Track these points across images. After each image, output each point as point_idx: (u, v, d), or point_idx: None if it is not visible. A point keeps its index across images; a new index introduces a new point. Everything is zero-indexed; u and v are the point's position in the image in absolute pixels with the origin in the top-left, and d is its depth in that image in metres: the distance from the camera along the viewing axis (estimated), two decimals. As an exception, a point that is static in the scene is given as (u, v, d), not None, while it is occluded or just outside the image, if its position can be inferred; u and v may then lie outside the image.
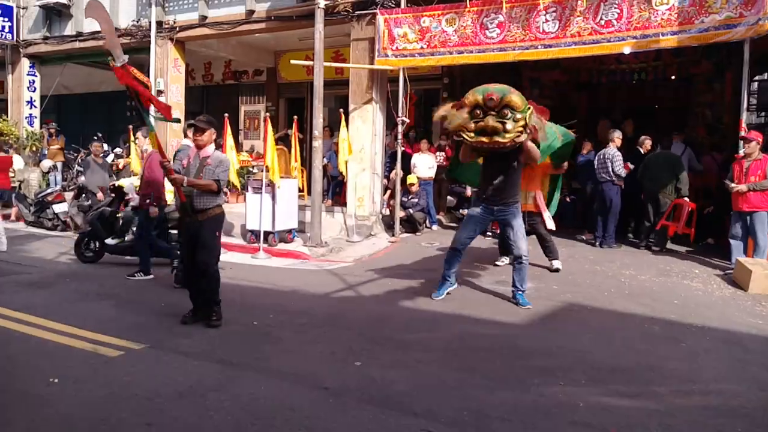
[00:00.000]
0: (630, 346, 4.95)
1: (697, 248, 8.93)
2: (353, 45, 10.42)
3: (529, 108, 5.49)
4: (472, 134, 5.53)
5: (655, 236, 8.96)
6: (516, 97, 5.41)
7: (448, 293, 6.24)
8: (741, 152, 7.76)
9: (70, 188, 12.95)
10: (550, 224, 7.43)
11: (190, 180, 5.14)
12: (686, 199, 8.62)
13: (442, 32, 9.33)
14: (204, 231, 5.23)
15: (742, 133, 7.52)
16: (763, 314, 5.96)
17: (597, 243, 9.08)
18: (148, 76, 12.78)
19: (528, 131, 5.50)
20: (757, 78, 11.74)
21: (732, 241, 7.50)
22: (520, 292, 6.02)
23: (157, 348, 4.70)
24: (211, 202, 5.24)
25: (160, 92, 12.56)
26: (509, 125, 5.35)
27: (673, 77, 12.30)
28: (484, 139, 5.48)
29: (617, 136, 9.08)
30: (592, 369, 4.37)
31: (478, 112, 5.47)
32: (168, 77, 12.63)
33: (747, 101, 8.22)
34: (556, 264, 7.52)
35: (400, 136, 10.07)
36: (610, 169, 8.83)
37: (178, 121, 12.29)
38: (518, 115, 5.38)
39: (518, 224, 6.00)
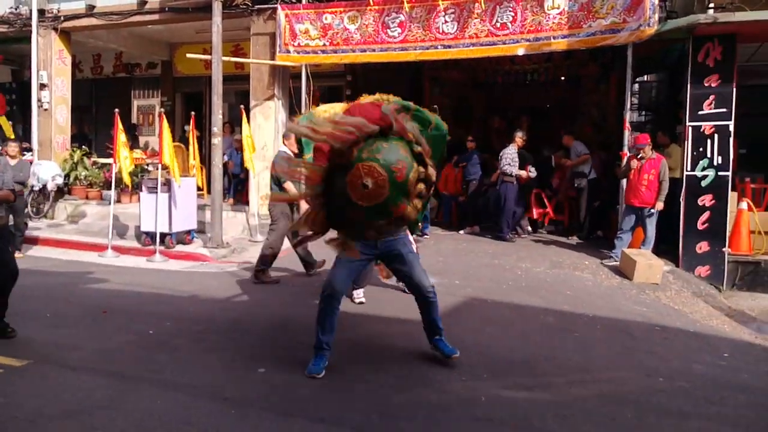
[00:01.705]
0: (527, 338, 5.15)
1: (587, 241, 9.44)
2: (253, 39, 10.17)
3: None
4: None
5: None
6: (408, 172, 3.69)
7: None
8: (625, 150, 8.29)
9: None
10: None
11: None
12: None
13: (344, 30, 9.30)
14: None
15: (642, 140, 7.91)
16: (647, 302, 6.39)
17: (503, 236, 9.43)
18: (30, 68, 11.92)
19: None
20: (638, 80, 12.58)
21: (621, 234, 7.97)
22: (439, 339, 4.48)
23: (42, 363, 4.36)
24: None
25: (43, 86, 11.72)
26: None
27: (563, 78, 12.94)
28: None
29: (519, 136, 9.43)
30: (492, 363, 4.50)
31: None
32: (52, 69, 11.80)
33: (630, 101, 8.77)
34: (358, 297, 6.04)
35: (302, 134, 9.92)
36: (502, 167, 9.21)
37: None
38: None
39: (411, 253, 4.43)
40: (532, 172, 9.35)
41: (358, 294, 6.01)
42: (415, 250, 4.61)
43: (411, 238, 4.75)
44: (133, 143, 12.69)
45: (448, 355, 4.37)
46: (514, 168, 9.16)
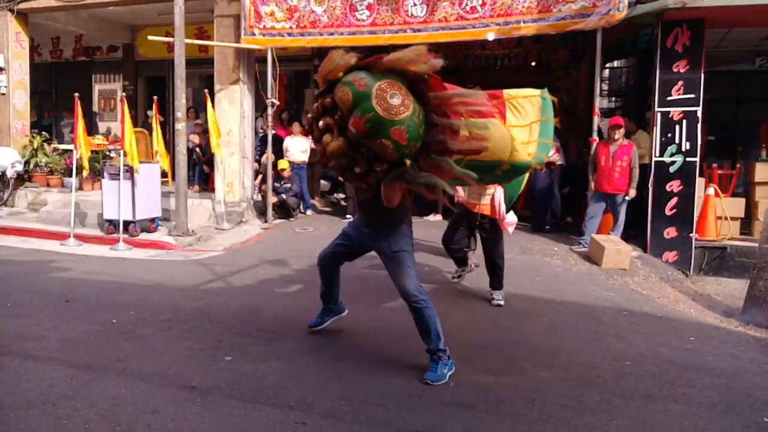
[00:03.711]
0: (496, 323, 5.15)
1: (556, 227, 9.50)
2: (217, 22, 9.93)
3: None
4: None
5: None
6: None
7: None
8: (594, 136, 8.33)
9: None
10: (511, 230, 5.70)
11: None
12: None
13: (311, 12, 9.12)
14: None
15: (618, 121, 7.96)
16: (615, 287, 6.46)
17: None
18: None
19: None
20: (608, 65, 12.67)
21: (589, 220, 8.02)
22: (432, 358, 3.99)
23: (2, 354, 4.21)
24: None
25: (0, 69, 11.29)
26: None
27: (533, 63, 12.95)
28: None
29: None
30: (461, 348, 4.46)
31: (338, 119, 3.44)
32: (9, 53, 11.35)
33: (599, 87, 8.82)
34: (498, 298, 5.69)
35: (270, 119, 9.78)
36: None
37: None
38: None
39: (396, 255, 4.05)
40: None
41: (497, 296, 5.69)
42: (402, 251, 4.05)
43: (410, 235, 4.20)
44: (91, 130, 12.37)
45: (423, 378, 3.87)
46: None
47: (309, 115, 3.64)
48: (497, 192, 5.48)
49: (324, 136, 3.46)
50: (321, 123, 3.47)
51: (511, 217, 5.61)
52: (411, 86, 3.40)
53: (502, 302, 5.63)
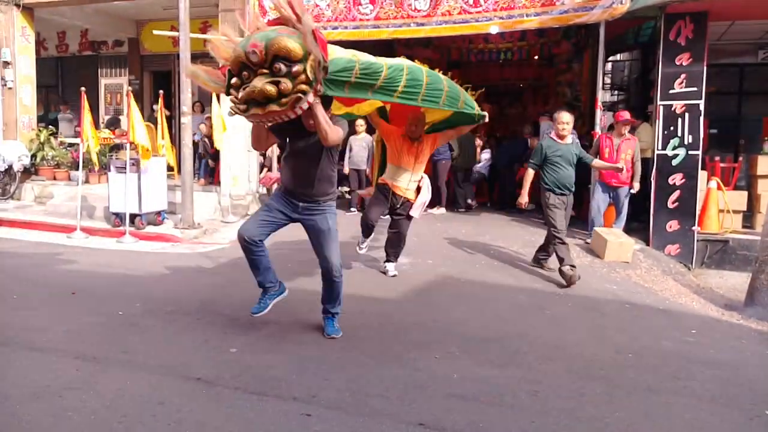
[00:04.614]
0: (500, 315, 5.18)
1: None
2: (222, 16, 9.94)
3: (310, 55, 3.62)
4: (243, 107, 3.78)
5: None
6: (290, 42, 3.56)
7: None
8: (597, 129, 8.33)
9: None
10: (416, 214, 6.12)
11: None
12: None
13: (315, 6, 9.14)
14: None
15: (627, 116, 7.93)
16: (617, 280, 6.48)
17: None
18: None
19: (316, 89, 3.71)
20: (611, 59, 12.64)
21: (594, 213, 8.03)
22: (330, 317, 4.57)
23: (9, 345, 4.26)
24: None
25: (6, 63, 11.34)
26: (284, 84, 3.59)
27: (536, 57, 12.95)
28: (257, 111, 3.72)
29: None
30: (464, 340, 4.52)
31: (246, 74, 3.72)
32: (15, 47, 11.38)
33: (602, 80, 8.81)
34: (391, 269, 6.34)
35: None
36: None
37: None
38: (295, 68, 3.60)
39: (331, 231, 4.38)
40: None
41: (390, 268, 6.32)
42: (335, 229, 4.44)
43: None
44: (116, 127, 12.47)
45: (328, 334, 4.50)
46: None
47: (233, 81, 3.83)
48: (424, 182, 6.04)
49: (246, 87, 3.70)
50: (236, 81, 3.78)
51: (420, 200, 6.04)
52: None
53: (396, 272, 6.28)
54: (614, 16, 7.74)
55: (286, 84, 3.58)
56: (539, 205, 7.02)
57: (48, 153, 11.49)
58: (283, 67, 3.58)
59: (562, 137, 6.39)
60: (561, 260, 6.11)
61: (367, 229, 6.17)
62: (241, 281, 6.18)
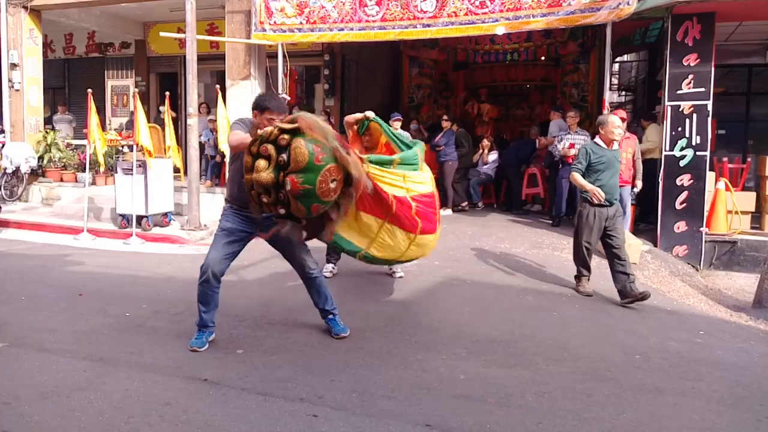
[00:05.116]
0: (506, 317, 5.16)
1: (564, 222, 9.49)
2: (228, 17, 9.98)
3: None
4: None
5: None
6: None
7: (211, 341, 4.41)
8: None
9: None
10: None
11: None
12: None
13: (321, 7, 9.13)
14: None
15: (623, 115, 7.92)
16: (624, 281, 6.43)
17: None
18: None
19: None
20: (618, 59, 12.62)
21: None
22: (331, 317, 4.59)
23: (17, 346, 4.28)
24: None
25: (13, 65, 11.41)
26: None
27: (542, 58, 12.93)
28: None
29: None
30: (471, 341, 4.51)
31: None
32: (23, 49, 11.46)
33: (609, 81, 8.79)
34: (398, 271, 6.32)
35: (281, 114, 9.81)
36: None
37: None
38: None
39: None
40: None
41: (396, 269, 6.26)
42: None
43: None
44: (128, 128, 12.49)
45: (336, 333, 4.52)
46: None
47: (258, 131, 3.74)
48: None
49: (260, 160, 3.64)
50: (265, 148, 3.62)
51: None
52: (347, 178, 3.74)
53: (402, 274, 6.27)
54: (621, 17, 7.71)
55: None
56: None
57: (55, 155, 11.55)
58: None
59: (609, 143, 5.79)
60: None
61: None
62: (248, 282, 6.21)
